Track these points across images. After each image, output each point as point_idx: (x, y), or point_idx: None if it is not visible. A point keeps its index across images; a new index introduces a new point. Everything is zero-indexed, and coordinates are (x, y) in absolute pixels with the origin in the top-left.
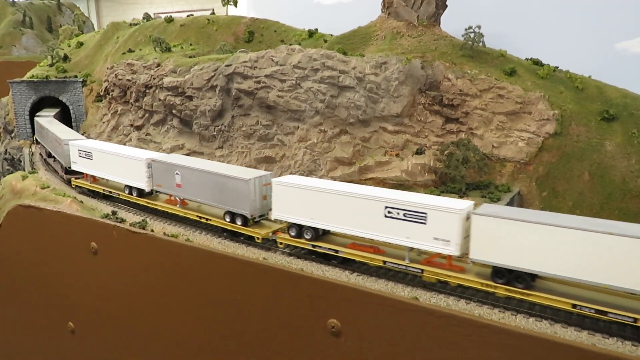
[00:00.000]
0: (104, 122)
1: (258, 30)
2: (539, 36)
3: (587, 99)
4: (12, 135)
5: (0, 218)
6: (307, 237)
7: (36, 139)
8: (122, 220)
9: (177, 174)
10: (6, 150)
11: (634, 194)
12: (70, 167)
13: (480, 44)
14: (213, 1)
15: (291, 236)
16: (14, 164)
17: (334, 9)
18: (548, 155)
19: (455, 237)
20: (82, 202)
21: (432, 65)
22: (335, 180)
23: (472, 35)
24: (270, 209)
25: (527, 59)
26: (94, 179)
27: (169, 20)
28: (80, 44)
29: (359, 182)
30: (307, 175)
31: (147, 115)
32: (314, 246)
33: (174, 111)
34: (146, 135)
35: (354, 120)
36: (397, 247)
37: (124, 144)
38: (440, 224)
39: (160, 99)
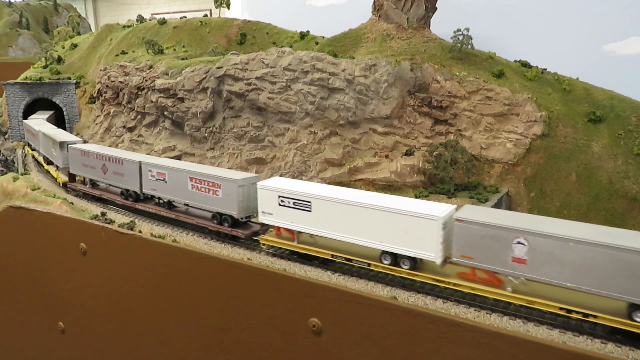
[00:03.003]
0: (96, 124)
1: (250, 32)
2: (527, 38)
3: (575, 101)
4: (6, 136)
5: None
6: None
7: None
8: (111, 222)
9: (519, 243)
10: (0, 151)
11: (620, 194)
12: (246, 218)
13: (469, 46)
14: (210, 2)
15: None
16: (8, 165)
17: (326, 10)
18: (536, 157)
19: None
20: (72, 203)
21: (422, 68)
22: (324, 181)
23: (460, 37)
24: None
25: (515, 61)
26: (292, 235)
27: (162, 22)
28: (74, 46)
29: (349, 183)
30: (296, 177)
31: (139, 116)
32: None
33: (165, 113)
34: (138, 136)
35: (343, 122)
36: None
37: (116, 146)
38: None
39: (152, 101)
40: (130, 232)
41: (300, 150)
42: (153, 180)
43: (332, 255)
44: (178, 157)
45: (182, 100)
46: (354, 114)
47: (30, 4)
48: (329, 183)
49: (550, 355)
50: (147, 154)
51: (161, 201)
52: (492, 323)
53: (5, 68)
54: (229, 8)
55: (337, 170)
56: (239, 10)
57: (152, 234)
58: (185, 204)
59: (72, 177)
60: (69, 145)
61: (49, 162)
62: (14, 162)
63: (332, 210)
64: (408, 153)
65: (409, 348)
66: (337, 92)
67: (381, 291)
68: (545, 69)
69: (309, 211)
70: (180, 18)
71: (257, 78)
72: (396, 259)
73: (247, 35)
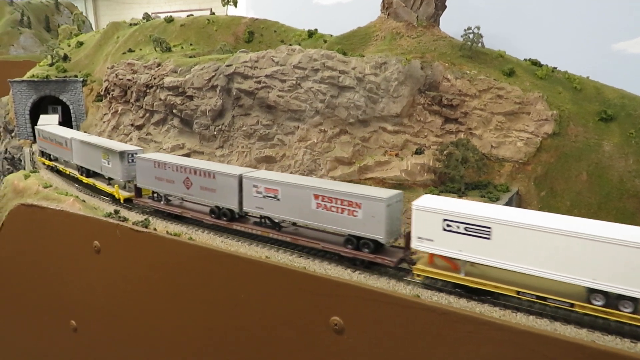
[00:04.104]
0: (104, 122)
1: (258, 31)
2: (537, 37)
3: (585, 100)
4: (13, 134)
5: (2, 217)
6: None
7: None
8: (125, 219)
9: None
10: (6, 149)
11: (631, 193)
12: (383, 243)
13: (479, 45)
14: (211, 1)
15: None
16: (14, 164)
17: (333, 9)
18: (546, 155)
19: None
20: (84, 201)
21: (432, 66)
22: (334, 179)
23: (471, 35)
24: None
25: (525, 60)
26: (452, 264)
27: (169, 20)
28: (80, 44)
29: (359, 182)
30: (306, 175)
31: (147, 114)
32: None
33: (174, 111)
34: (147, 134)
35: (353, 120)
36: None
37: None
38: None
39: (160, 99)
40: (145, 229)
41: (310, 149)
42: (259, 197)
43: (518, 292)
44: (187, 156)
45: (191, 98)
46: (364, 113)
47: (31, 2)
48: (337, 181)
49: (580, 354)
50: (157, 151)
51: (264, 220)
52: (519, 321)
53: (7, 67)
54: (236, 6)
55: (347, 169)
56: (244, 9)
57: (167, 232)
58: (293, 224)
59: (138, 192)
60: (136, 156)
61: (90, 174)
62: (21, 160)
63: (521, 238)
64: (418, 152)
65: (434, 347)
66: (347, 90)
67: (403, 289)
68: (556, 68)
69: (487, 238)
70: (187, 16)
71: (266, 76)
72: (610, 299)
73: (254, 34)
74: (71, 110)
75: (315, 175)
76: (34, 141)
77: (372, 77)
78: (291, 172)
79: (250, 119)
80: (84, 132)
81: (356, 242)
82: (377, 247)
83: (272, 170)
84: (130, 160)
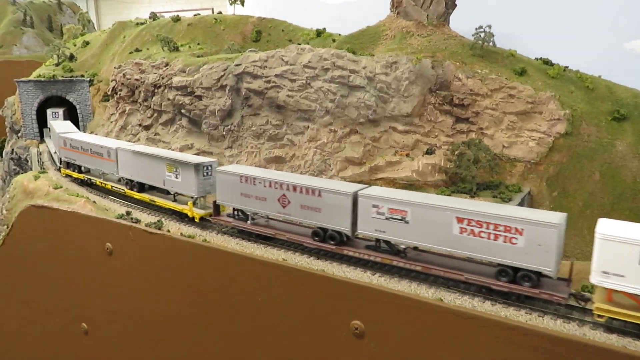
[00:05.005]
0: (111, 122)
1: (265, 30)
2: (548, 36)
3: (598, 99)
4: (19, 134)
5: (12, 218)
6: None
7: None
8: (138, 221)
9: None
10: (13, 150)
11: None
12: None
13: (490, 44)
14: (212, 0)
15: None
16: (21, 164)
17: (340, 8)
18: (559, 155)
19: None
20: (95, 202)
21: (443, 65)
22: (345, 180)
23: (482, 34)
24: None
25: (537, 59)
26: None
27: (176, 19)
28: (86, 43)
29: (369, 182)
30: (316, 176)
31: (155, 114)
32: None
33: (183, 111)
34: (155, 135)
35: (364, 120)
36: None
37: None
38: None
39: (169, 99)
40: (158, 231)
41: (320, 149)
42: (380, 219)
43: None
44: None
45: (199, 98)
46: (374, 112)
47: (34, 2)
48: (349, 182)
49: None
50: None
51: (378, 245)
52: (546, 326)
53: (10, 66)
54: (243, 4)
55: (358, 169)
56: (249, 7)
57: (181, 234)
58: (414, 248)
59: (217, 210)
60: (218, 169)
61: (144, 188)
62: (28, 161)
63: None
64: (429, 152)
65: (459, 353)
66: (357, 89)
67: (425, 292)
68: (567, 67)
69: None
70: (194, 15)
71: (276, 76)
72: None
73: (262, 33)
74: (78, 111)
75: (326, 175)
76: (41, 141)
77: (383, 76)
78: (301, 173)
79: (259, 118)
80: (90, 132)
81: (513, 274)
82: (538, 279)
83: (282, 170)
84: (205, 174)
